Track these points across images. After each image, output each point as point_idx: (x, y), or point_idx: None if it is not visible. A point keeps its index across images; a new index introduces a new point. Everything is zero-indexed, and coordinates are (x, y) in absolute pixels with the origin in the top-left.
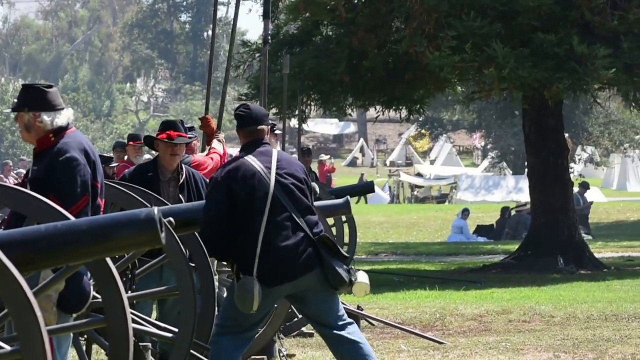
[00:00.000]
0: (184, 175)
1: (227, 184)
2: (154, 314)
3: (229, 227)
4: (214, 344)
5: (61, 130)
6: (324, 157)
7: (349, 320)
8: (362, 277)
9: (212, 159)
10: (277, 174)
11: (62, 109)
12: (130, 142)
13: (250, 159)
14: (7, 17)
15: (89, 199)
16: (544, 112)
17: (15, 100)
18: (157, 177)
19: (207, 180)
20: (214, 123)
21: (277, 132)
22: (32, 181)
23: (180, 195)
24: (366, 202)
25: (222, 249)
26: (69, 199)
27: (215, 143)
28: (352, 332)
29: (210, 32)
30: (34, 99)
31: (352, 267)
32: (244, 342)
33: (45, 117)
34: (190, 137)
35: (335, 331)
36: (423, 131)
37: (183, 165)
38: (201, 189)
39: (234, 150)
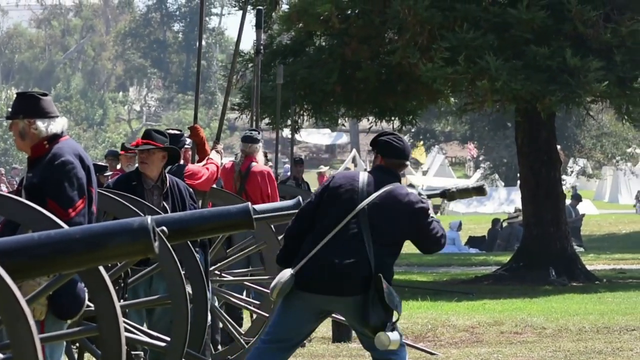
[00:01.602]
0: (167, 184)
1: (327, 186)
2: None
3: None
4: (256, 349)
5: (55, 138)
6: (323, 168)
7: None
8: (394, 336)
9: (207, 169)
10: (376, 200)
11: (57, 116)
12: (122, 152)
13: (363, 175)
14: (0, 25)
15: (86, 202)
16: (537, 125)
17: (9, 108)
18: (141, 186)
19: (203, 189)
20: (203, 132)
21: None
22: (27, 188)
23: (165, 204)
24: None
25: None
26: (67, 201)
27: (213, 154)
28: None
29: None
30: (28, 107)
31: (396, 324)
32: (280, 352)
33: (40, 124)
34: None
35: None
36: (416, 142)
37: (167, 174)
38: (185, 197)
39: (225, 160)
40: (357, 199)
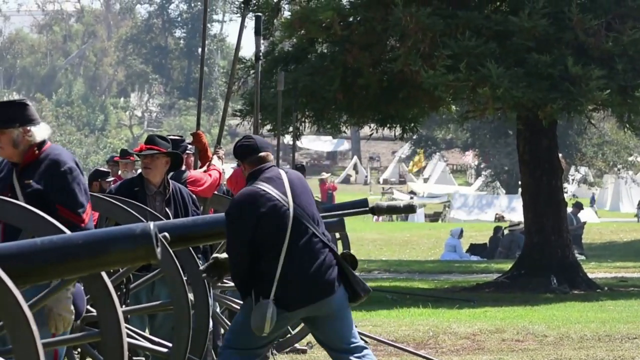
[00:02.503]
0: (170, 190)
1: (247, 219)
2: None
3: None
4: (221, 356)
5: (43, 144)
6: (324, 175)
7: (362, 343)
8: None
9: (210, 175)
10: (293, 195)
11: (40, 123)
12: (116, 158)
13: (263, 186)
14: (2, 31)
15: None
16: (538, 132)
17: None
18: (144, 192)
19: (206, 195)
20: (205, 139)
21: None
22: (29, 195)
23: (167, 210)
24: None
25: (247, 284)
26: (78, 207)
27: (215, 160)
28: (365, 355)
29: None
30: (22, 114)
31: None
32: (251, 357)
33: (34, 131)
34: (166, 150)
35: (348, 355)
36: (417, 149)
37: (170, 180)
38: (188, 204)
39: (227, 166)
40: (283, 205)
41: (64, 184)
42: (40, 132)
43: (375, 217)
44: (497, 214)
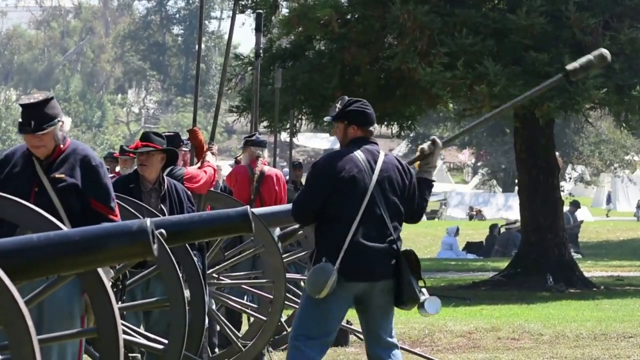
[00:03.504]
0: (165, 187)
1: (331, 174)
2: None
3: (321, 215)
4: (295, 349)
5: (65, 138)
6: None
7: (395, 342)
8: (432, 298)
9: (205, 172)
10: (379, 174)
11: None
12: (115, 154)
13: (358, 154)
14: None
15: None
16: (535, 131)
17: (22, 118)
18: (139, 188)
19: (201, 192)
20: (202, 135)
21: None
22: (62, 190)
23: (162, 206)
24: None
25: (312, 220)
26: (111, 201)
27: (209, 156)
28: (397, 355)
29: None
30: (58, 109)
31: (423, 286)
32: (324, 347)
33: (66, 123)
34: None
35: (387, 350)
36: (414, 147)
37: (165, 177)
38: (183, 200)
39: (224, 163)
40: (366, 178)
41: (97, 178)
42: (68, 123)
43: None
44: (469, 209)
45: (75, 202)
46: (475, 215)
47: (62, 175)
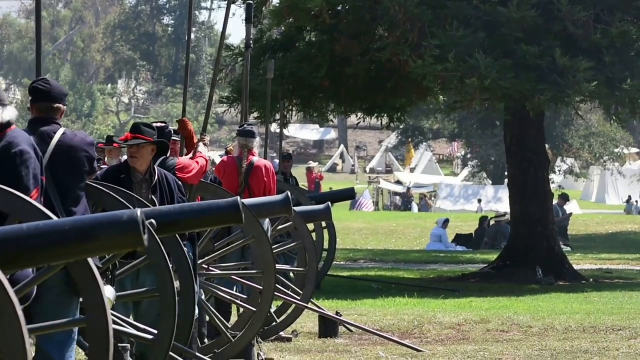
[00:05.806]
0: (156, 177)
1: None
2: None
3: None
4: None
5: (8, 126)
6: (312, 164)
7: None
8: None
9: (197, 162)
10: (53, 153)
11: (7, 104)
12: (100, 144)
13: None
14: None
15: (41, 191)
16: (526, 124)
17: None
18: (130, 179)
19: (193, 182)
20: (191, 126)
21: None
22: None
23: (153, 197)
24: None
25: None
26: (23, 191)
27: (201, 147)
28: None
29: (193, 36)
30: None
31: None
32: None
33: (1, 112)
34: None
35: None
36: (404, 139)
37: (156, 168)
38: (174, 191)
39: (215, 154)
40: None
41: (12, 166)
42: (4, 113)
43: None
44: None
45: None
46: (425, 205)
47: None
